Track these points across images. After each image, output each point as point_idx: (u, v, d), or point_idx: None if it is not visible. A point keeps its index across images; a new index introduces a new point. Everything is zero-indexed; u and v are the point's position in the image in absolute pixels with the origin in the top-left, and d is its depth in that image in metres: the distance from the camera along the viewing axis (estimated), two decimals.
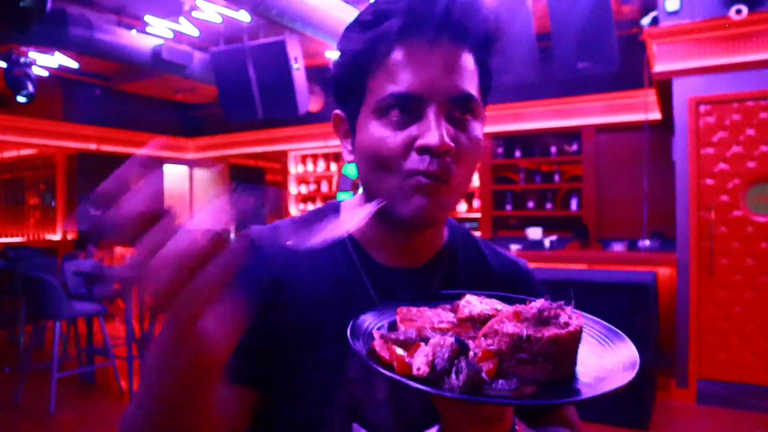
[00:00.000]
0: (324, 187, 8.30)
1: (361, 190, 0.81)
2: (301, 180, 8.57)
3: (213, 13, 5.16)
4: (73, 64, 6.45)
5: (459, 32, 0.65)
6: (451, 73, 0.64)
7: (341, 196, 7.80)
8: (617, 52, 3.99)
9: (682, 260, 4.06)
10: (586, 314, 0.61)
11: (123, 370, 4.40)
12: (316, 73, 7.39)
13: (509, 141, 6.76)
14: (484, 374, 0.50)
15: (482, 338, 0.54)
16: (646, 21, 4.36)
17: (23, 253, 6.20)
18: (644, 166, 5.52)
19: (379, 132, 0.66)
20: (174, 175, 10.02)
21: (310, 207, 8.43)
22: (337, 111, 0.75)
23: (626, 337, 0.59)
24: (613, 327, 0.62)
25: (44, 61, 6.14)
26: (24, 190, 9.44)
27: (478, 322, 0.58)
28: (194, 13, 5.38)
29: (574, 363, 0.54)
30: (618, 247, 5.14)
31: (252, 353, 0.69)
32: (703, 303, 4.01)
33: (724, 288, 3.95)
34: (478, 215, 6.96)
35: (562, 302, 0.56)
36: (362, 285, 0.73)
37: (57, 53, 6.11)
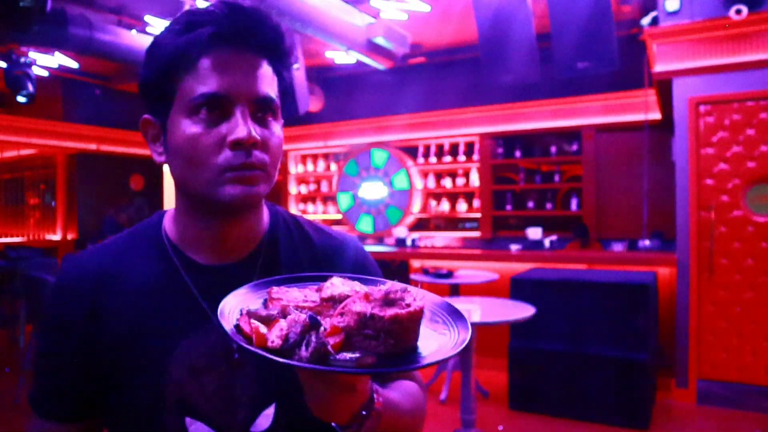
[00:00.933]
0: (324, 187, 8.30)
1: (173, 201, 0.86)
2: (301, 180, 8.56)
3: None
4: (73, 64, 6.45)
5: (259, 44, 0.74)
6: (254, 78, 0.73)
7: (341, 196, 7.80)
8: (617, 52, 3.99)
9: (682, 260, 4.07)
10: (434, 296, 0.68)
11: None
12: (316, 73, 7.40)
13: (509, 141, 6.76)
14: (330, 347, 0.55)
15: (337, 316, 0.59)
16: (646, 21, 4.36)
17: (23, 253, 6.20)
18: (644, 166, 5.52)
19: (190, 129, 0.71)
20: None
21: (310, 207, 8.44)
22: (146, 116, 0.78)
23: (467, 320, 0.65)
24: (458, 309, 0.67)
25: (44, 61, 6.14)
26: (24, 190, 9.43)
27: (338, 301, 0.63)
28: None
29: (415, 339, 0.60)
30: (618, 247, 5.14)
31: (86, 387, 0.77)
32: (703, 303, 4.01)
33: (724, 288, 3.96)
34: (478, 215, 6.97)
35: (407, 285, 0.61)
36: (186, 288, 0.77)
37: (57, 53, 6.11)
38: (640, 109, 5.55)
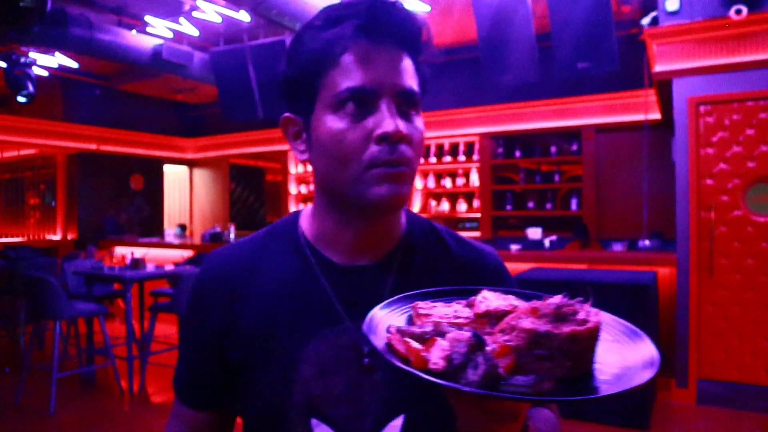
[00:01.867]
0: None
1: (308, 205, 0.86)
2: (301, 180, 8.57)
3: (213, 13, 5.16)
4: (73, 64, 6.46)
5: (400, 37, 0.72)
6: (398, 71, 0.71)
7: None
8: (617, 52, 3.99)
9: (682, 260, 4.07)
10: (605, 312, 0.61)
11: (123, 370, 4.40)
12: None
13: (509, 141, 6.77)
14: (501, 369, 0.49)
15: (499, 334, 0.54)
16: (646, 21, 4.36)
17: (23, 253, 6.20)
18: (644, 166, 5.52)
19: (336, 125, 0.70)
20: (174, 175, 10.02)
21: (310, 207, 8.43)
22: (287, 114, 0.78)
23: (645, 335, 0.58)
24: (632, 325, 0.61)
25: (44, 61, 6.14)
26: (24, 190, 9.44)
27: (494, 317, 0.58)
28: (194, 13, 5.38)
29: (592, 360, 0.54)
30: (618, 247, 5.14)
31: (220, 378, 0.79)
32: (703, 303, 4.01)
33: (724, 288, 3.95)
34: (478, 215, 6.97)
35: (581, 298, 0.56)
36: (320, 287, 0.77)
37: (57, 53, 6.11)
38: (640, 109, 5.55)
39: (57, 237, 8.35)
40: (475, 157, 6.95)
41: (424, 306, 0.62)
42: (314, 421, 0.72)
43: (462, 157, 7.06)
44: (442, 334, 0.54)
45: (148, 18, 5.45)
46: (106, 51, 5.35)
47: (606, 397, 0.49)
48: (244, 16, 5.05)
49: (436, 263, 0.82)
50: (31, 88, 5.70)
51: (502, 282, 0.84)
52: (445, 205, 7.27)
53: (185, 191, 10.10)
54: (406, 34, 0.73)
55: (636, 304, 3.53)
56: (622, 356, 0.56)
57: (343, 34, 0.70)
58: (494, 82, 4.44)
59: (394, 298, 0.66)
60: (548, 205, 6.55)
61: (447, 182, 7.22)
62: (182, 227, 8.47)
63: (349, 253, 0.79)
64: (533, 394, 0.48)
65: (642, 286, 3.55)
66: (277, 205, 9.12)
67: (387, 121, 0.69)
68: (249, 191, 9.95)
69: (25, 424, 3.67)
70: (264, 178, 10.18)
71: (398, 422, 0.72)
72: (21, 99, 5.76)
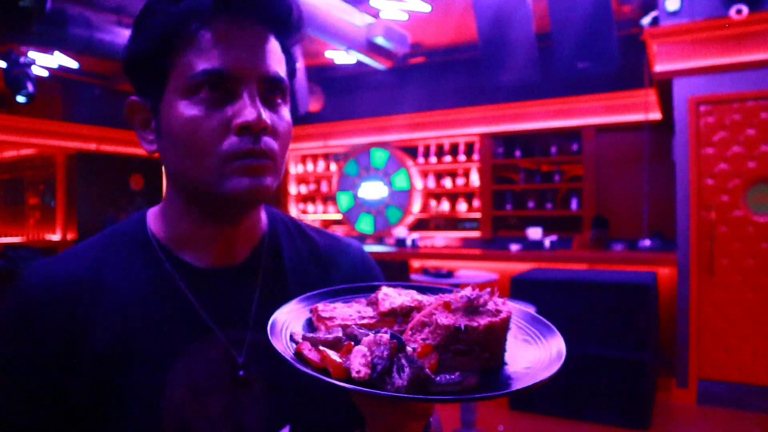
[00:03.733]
0: (324, 187, 8.30)
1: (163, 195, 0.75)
2: (301, 180, 8.56)
3: None
4: (73, 64, 6.45)
5: (267, 16, 0.65)
6: (263, 54, 0.64)
7: (341, 196, 7.80)
8: (617, 52, 3.99)
9: (682, 260, 4.06)
10: (511, 302, 0.59)
11: None
12: (316, 73, 7.39)
13: (509, 141, 6.76)
14: (427, 370, 0.48)
15: (411, 332, 0.53)
16: (646, 21, 4.36)
17: (23, 253, 6.20)
18: (644, 166, 5.52)
19: (189, 111, 0.62)
20: None
21: (310, 207, 8.44)
22: (133, 98, 0.69)
23: (552, 325, 0.58)
24: (538, 315, 0.60)
25: (44, 61, 6.14)
26: (24, 190, 9.43)
27: (400, 314, 0.57)
28: None
29: (504, 350, 0.54)
30: (618, 247, 5.14)
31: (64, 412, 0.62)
32: (703, 303, 4.00)
33: (724, 288, 3.95)
34: (478, 215, 6.96)
35: (487, 289, 0.55)
36: (179, 294, 0.67)
37: (57, 53, 6.11)
38: (640, 109, 5.55)
39: (56, 237, 8.35)
40: (475, 157, 6.95)
41: (324, 309, 0.59)
42: None
43: (462, 157, 7.06)
44: (355, 338, 0.52)
45: None
46: (106, 51, 5.34)
47: (524, 389, 0.48)
48: None
49: (303, 259, 0.78)
50: (30, 88, 5.69)
51: (371, 274, 0.83)
52: (445, 205, 7.27)
53: None
54: (275, 12, 0.65)
55: (636, 304, 3.54)
56: (528, 348, 0.56)
57: (201, 7, 0.61)
58: (494, 82, 4.44)
59: (288, 303, 0.61)
60: (548, 205, 6.55)
61: (447, 182, 7.22)
62: None
63: (209, 254, 0.70)
64: (462, 392, 0.48)
65: (642, 286, 3.55)
66: (277, 204, 9.12)
67: (248, 110, 0.61)
68: None
69: None
70: None
71: None
72: (20, 99, 5.76)
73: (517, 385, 0.49)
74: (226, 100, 0.62)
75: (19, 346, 0.62)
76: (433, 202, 7.44)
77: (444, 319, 0.51)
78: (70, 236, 8.20)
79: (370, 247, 5.92)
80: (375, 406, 0.55)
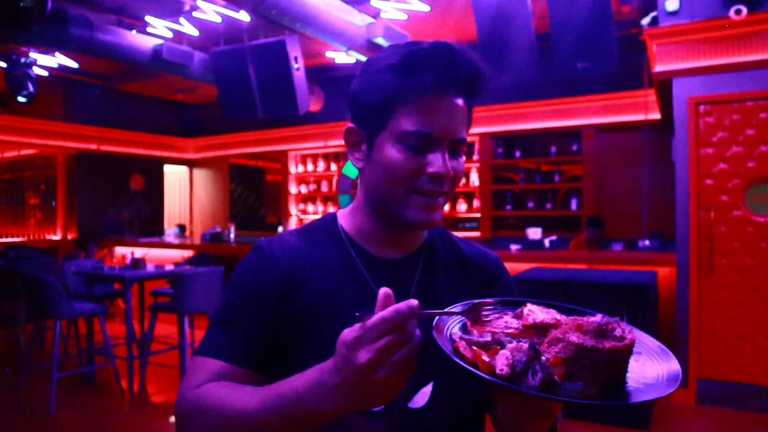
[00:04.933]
0: (324, 187, 8.30)
1: (347, 202, 0.91)
2: (301, 180, 8.57)
3: (213, 13, 5.16)
4: (73, 64, 6.46)
5: (467, 89, 0.85)
6: (457, 121, 0.84)
7: (341, 196, 7.80)
8: (617, 52, 4.00)
9: (682, 260, 4.07)
10: (638, 330, 0.70)
11: (123, 370, 4.40)
12: (316, 73, 7.39)
13: (509, 141, 6.77)
14: (555, 376, 0.59)
15: (547, 345, 0.64)
16: (645, 21, 4.36)
17: (23, 253, 6.20)
18: (644, 166, 5.52)
19: (397, 155, 0.83)
20: (174, 175, 10.03)
21: (310, 207, 8.44)
22: (351, 126, 0.90)
23: (671, 353, 0.68)
24: (661, 344, 0.70)
25: (44, 61, 6.14)
26: (24, 190, 9.43)
27: (540, 329, 0.68)
28: (194, 13, 5.38)
29: (626, 370, 0.64)
30: (618, 247, 5.14)
31: (266, 343, 0.84)
32: (702, 303, 4.01)
33: (723, 288, 3.96)
34: (478, 215, 6.97)
35: (618, 318, 0.65)
36: (360, 275, 0.90)
37: (57, 53, 6.11)
38: (640, 109, 5.55)
39: (57, 237, 8.35)
40: (475, 157, 6.95)
41: (484, 315, 0.73)
42: None
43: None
44: (501, 343, 0.65)
45: (148, 18, 5.45)
46: (106, 51, 5.35)
47: (639, 404, 0.59)
48: (244, 16, 5.05)
49: (451, 260, 1.00)
50: (31, 88, 5.70)
51: (503, 276, 1.05)
52: (445, 205, 7.27)
53: (185, 191, 10.10)
54: (473, 86, 0.86)
55: (636, 304, 3.54)
56: (649, 370, 0.66)
57: (423, 86, 0.81)
58: (494, 82, 4.44)
59: (448, 309, 0.75)
60: (548, 205, 6.55)
61: None
62: (182, 227, 8.47)
63: (384, 247, 0.93)
64: (582, 398, 0.59)
65: (642, 286, 3.55)
66: (277, 205, 9.12)
67: (441, 164, 0.82)
68: (249, 191, 9.94)
69: (25, 424, 3.67)
70: (264, 178, 10.17)
71: (428, 389, 0.85)
72: (21, 99, 5.76)
73: (631, 399, 0.60)
74: (425, 150, 0.83)
75: (257, 282, 0.87)
76: None
77: (575, 338, 0.62)
78: (70, 236, 8.20)
79: None
80: (510, 398, 0.71)
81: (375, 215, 0.92)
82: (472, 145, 7.05)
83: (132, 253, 6.02)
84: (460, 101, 0.85)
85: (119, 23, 5.72)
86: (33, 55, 5.92)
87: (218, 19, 5.26)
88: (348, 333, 0.61)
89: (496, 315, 0.74)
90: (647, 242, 4.98)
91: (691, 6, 3.97)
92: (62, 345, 5.05)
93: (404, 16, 5.17)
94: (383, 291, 0.62)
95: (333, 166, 8.13)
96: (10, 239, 8.87)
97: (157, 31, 5.58)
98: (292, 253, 0.90)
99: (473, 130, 6.91)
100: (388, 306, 0.60)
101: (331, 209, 8.24)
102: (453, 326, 0.73)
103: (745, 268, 3.89)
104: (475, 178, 7.00)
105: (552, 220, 6.49)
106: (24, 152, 9.10)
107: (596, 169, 6.16)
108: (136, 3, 5.53)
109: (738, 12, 3.72)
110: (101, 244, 7.40)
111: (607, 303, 3.88)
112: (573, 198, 6.37)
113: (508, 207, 6.73)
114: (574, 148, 6.33)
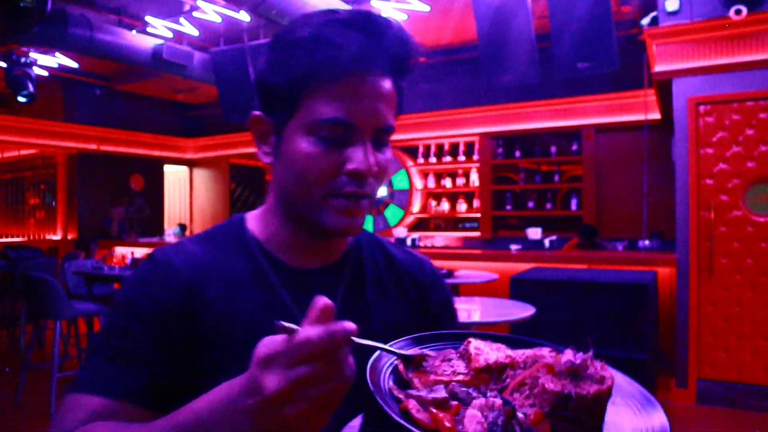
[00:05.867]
0: None
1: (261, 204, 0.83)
2: None
3: (213, 13, 5.16)
4: (74, 64, 6.46)
5: (393, 66, 0.72)
6: (383, 105, 0.71)
7: None
8: (617, 52, 3.99)
9: (682, 260, 4.07)
10: (611, 368, 0.58)
11: None
12: None
13: (509, 141, 6.77)
14: None
15: (509, 393, 0.53)
16: (646, 21, 4.36)
17: (24, 253, 6.20)
18: (644, 166, 5.52)
19: (309, 148, 0.70)
20: (174, 175, 10.03)
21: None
22: (258, 113, 0.76)
23: (656, 401, 0.57)
24: (643, 389, 0.60)
25: (45, 61, 6.14)
26: (24, 190, 9.44)
27: (495, 372, 0.57)
28: (194, 13, 5.38)
29: (603, 419, 0.53)
30: (618, 247, 5.14)
31: (160, 372, 0.69)
32: (702, 303, 4.01)
33: (723, 288, 3.96)
34: (478, 215, 6.97)
35: (590, 353, 0.54)
36: (272, 287, 0.77)
37: (57, 53, 6.11)
38: (640, 109, 5.55)
39: (57, 237, 8.35)
40: (475, 157, 6.95)
41: (427, 364, 0.60)
42: None
43: (462, 157, 7.06)
44: (457, 397, 0.53)
45: (148, 18, 5.45)
46: (106, 51, 5.35)
47: None
48: (244, 16, 5.05)
49: (381, 268, 0.86)
50: (31, 88, 5.70)
51: (439, 286, 0.91)
52: (445, 205, 7.27)
53: (185, 191, 10.10)
54: (399, 63, 0.72)
55: (636, 304, 3.54)
56: (629, 421, 0.54)
57: (338, 61, 0.67)
58: (494, 82, 4.44)
59: (392, 344, 0.62)
60: (548, 205, 6.55)
61: (447, 182, 7.23)
62: (182, 227, 8.47)
63: (301, 256, 0.80)
64: None
65: (642, 286, 3.55)
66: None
67: (363, 159, 0.69)
68: (249, 191, 9.95)
69: (25, 424, 3.67)
70: (264, 178, 10.17)
71: (356, 422, 0.73)
72: (21, 99, 5.76)
73: None
74: (343, 143, 0.70)
75: (147, 296, 0.72)
76: (433, 202, 7.44)
77: (551, 384, 0.51)
78: (70, 236, 8.20)
79: None
80: None
81: (288, 219, 0.78)
82: (472, 145, 7.05)
83: (132, 253, 6.02)
84: (386, 82, 0.71)
85: (119, 23, 5.72)
86: (33, 55, 5.92)
87: (218, 19, 5.26)
88: (263, 346, 0.48)
89: (433, 352, 0.61)
90: (647, 242, 4.99)
91: (691, 6, 3.97)
92: (62, 345, 5.05)
93: (404, 16, 5.17)
94: (321, 301, 0.47)
95: None
96: (10, 239, 8.87)
97: (157, 31, 5.58)
98: (192, 263, 0.75)
99: (473, 129, 6.94)
100: (323, 323, 0.46)
101: None
102: (388, 369, 0.58)
103: (745, 268, 3.89)
104: (475, 178, 7.00)
105: (552, 220, 6.49)
106: (24, 152, 9.09)
107: (596, 169, 6.16)
108: (136, 3, 5.53)
109: (738, 12, 3.72)
110: (101, 244, 7.40)
111: (607, 303, 3.90)
112: (573, 198, 6.37)
113: (508, 207, 6.73)
114: (574, 148, 6.33)
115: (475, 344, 0.61)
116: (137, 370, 0.69)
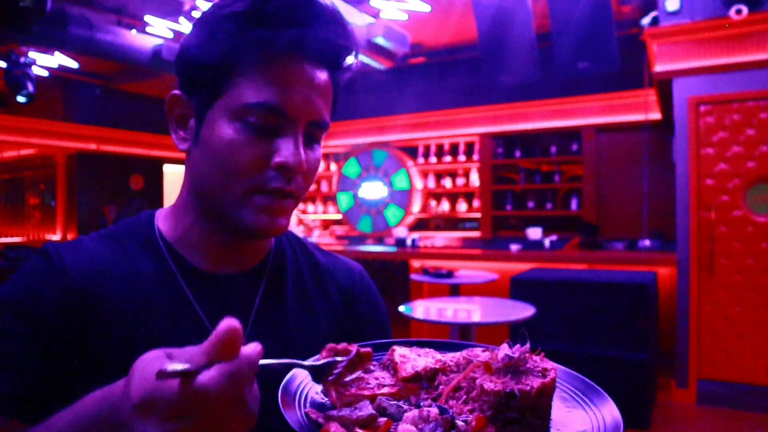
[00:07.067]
0: (324, 187, 8.30)
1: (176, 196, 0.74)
2: None
3: None
4: (73, 64, 6.45)
5: (333, 58, 0.67)
6: (318, 97, 0.65)
7: (341, 196, 7.80)
8: (617, 52, 3.99)
9: (682, 260, 4.07)
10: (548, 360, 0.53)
11: None
12: None
13: (509, 141, 6.77)
14: None
15: (445, 400, 0.48)
16: (646, 21, 4.36)
17: (23, 253, 6.19)
18: (644, 166, 5.52)
19: (234, 135, 0.63)
20: (174, 175, 10.02)
21: (310, 207, 8.44)
22: (177, 92, 0.68)
23: (600, 389, 0.52)
24: (585, 378, 0.55)
25: (44, 61, 6.14)
26: (24, 190, 9.44)
27: (426, 379, 0.51)
28: (194, 13, 5.38)
29: (549, 416, 0.48)
30: (618, 247, 5.13)
31: (46, 382, 0.61)
32: (703, 303, 4.01)
33: (724, 288, 3.95)
34: (478, 215, 6.96)
35: (527, 345, 0.50)
36: (181, 293, 0.68)
37: (57, 53, 6.11)
38: (640, 109, 5.55)
39: (57, 237, 8.35)
40: (475, 157, 6.95)
41: (347, 377, 0.52)
42: None
43: (462, 157, 7.06)
44: (384, 412, 0.46)
45: (148, 18, 5.44)
46: (106, 51, 5.34)
47: None
48: None
49: (303, 274, 0.79)
50: (31, 88, 5.70)
51: (368, 294, 0.84)
52: (445, 205, 7.27)
53: None
54: (339, 55, 0.67)
55: (636, 304, 3.54)
56: (576, 416, 0.49)
57: (276, 41, 0.61)
58: (494, 82, 4.45)
59: (291, 363, 0.51)
60: (548, 205, 6.55)
61: (447, 182, 7.22)
62: None
63: (215, 259, 0.71)
64: None
65: (642, 286, 3.55)
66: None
67: (293, 152, 0.62)
68: None
69: (25, 424, 3.66)
70: None
71: None
72: (21, 99, 5.76)
73: None
74: (272, 133, 0.63)
75: (33, 295, 0.63)
76: (433, 202, 7.44)
77: (490, 383, 0.46)
78: (70, 236, 8.20)
79: (371, 247, 5.92)
80: None
81: (203, 217, 0.70)
82: (471, 145, 7.05)
83: None
84: (323, 74, 0.65)
85: (119, 23, 5.72)
86: (33, 55, 5.91)
87: None
88: (139, 387, 0.39)
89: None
90: (647, 242, 4.98)
91: (691, 6, 3.97)
92: None
93: (404, 16, 5.16)
94: (227, 325, 0.38)
95: (333, 166, 8.12)
96: (9, 239, 8.87)
97: (157, 31, 5.58)
98: (89, 262, 0.66)
99: (473, 129, 6.95)
100: (226, 355, 0.38)
101: (331, 209, 8.23)
102: (306, 388, 0.52)
103: (746, 268, 3.89)
104: (475, 178, 7.00)
105: (552, 220, 6.49)
106: (24, 152, 9.09)
107: (596, 169, 6.16)
108: (136, 3, 5.53)
109: (738, 12, 3.72)
110: None
111: (607, 303, 3.90)
112: (573, 198, 6.37)
113: (508, 207, 6.73)
114: (574, 148, 6.33)
115: (399, 352, 0.55)
116: (18, 378, 0.60)
